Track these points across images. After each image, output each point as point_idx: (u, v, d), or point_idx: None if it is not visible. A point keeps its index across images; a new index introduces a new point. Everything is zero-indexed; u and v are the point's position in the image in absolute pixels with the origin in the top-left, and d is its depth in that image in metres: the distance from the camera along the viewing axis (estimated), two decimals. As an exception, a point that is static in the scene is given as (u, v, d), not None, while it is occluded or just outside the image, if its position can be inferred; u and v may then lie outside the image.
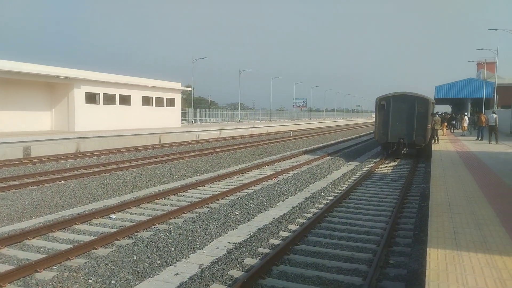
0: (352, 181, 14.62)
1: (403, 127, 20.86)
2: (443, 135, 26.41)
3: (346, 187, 13.14)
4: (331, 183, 13.99)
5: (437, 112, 28.31)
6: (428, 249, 5.12)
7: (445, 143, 21.17)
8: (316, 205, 10.80)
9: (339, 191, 12.67)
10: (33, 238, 7.73)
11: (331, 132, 49.97)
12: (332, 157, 21.48)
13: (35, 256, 6.81)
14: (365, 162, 19.68)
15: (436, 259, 4.79)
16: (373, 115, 33.68)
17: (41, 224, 8.63)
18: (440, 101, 53.20)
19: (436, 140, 21.30)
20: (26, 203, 10.52)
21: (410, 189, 13.05)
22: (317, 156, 21.24)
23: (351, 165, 18.80)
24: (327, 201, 11.25)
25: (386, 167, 18.25)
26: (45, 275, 6.03)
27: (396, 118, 20.98)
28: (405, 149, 24.13)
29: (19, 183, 13.06)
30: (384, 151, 23.04)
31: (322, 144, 30.29)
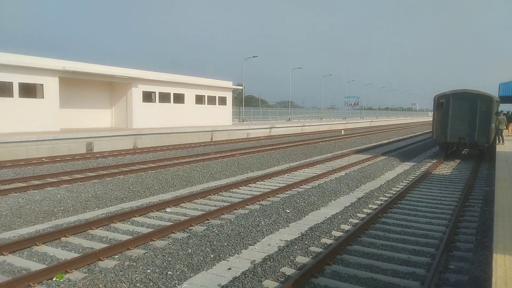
0: (407, 181, 14.07)
1: (464, 126, 19.76)
2: (509, 135, 24.70)
3: (402, 188, 12.68)
4: (385, 183, 13.56)
5: (502, 111, 26.50)
6: (494, 254, 4.82)
7: (511, 144, 19.78)
8: (370, 206, 10.52)
9: (394, 192, 12.25)
10: (96, 228, 8.21)
11: (384, 131, 48.42)
12: (385, 157, 20.82)
13: (98, 245, 7.23)
14: (421, 163, 18.87)
15: (503, 265, 4.50)
16: (430, 114, 32.20)
17: (103, 215, 9.14)
18: (505, 99, 49.66)
19: (501, 141, 19.96)
20: (89, 195, 11.19)
21: (472, 192, 12.33)
22: (369, 156, 20.68)
23: (406, 166, 18.11)
24: (381, 202, 10.92)
25: (445, 168, 17.38)
26: (108, 263, 6.38)
27: (456, 117, 19.91)
28: (465, 149, 22.87)
29: (83, 176, 13.92)
30: (442, 152, 21.96)
31: (375, 144, 29.45)
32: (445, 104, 20.16)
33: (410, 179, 14.53)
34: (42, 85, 23.54)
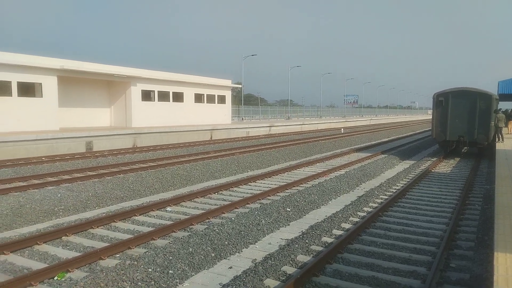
0: (407, 180, 14.09)
1: (463, 124, 19.78)
2: (509, 133, 24.72)
3: (402, 186, 12.70)
4: (385, 182, 13.57)
5: (500, 109, 26.52)
6: (495, 253, 4.83)
7: (510, 142, 19.80)
8: (370, 204, 10.53)
9: (394, 190, 12.26)
10: (97, 227, 8.20)
11: (384, 129, 48.46)
12: (385, 155, 20.83)
13: (99, 244, 7.23)
14: (421, 161, 18.89)
15: (505, 264, 4.51)
16: (429, 112, 32.24)
17: (104, 214, 9.14)
18: (504, 97, 49.68)
19: (501, 139, 19.98)
20: (90, 194, 11.18)
21: (472, 190, 12.34)
22: (369, 154, 20.69)
23: (406, 164, 18.12)
24: (382, 200, 10.93)
25: (445, 167, 17.40)
26: (109, 262, 6.38)
27: (456, 115, 19.93)
28: (465, 147, 22.90)
29: (83, 175, 13.90)
30: (442, 150, 21.98)
31: (374, 142, 29.47)
32: (444, 102, 20.17)
33: (410, 178, 14.54)
34: (40, 84, 23.49)
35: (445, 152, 21.15)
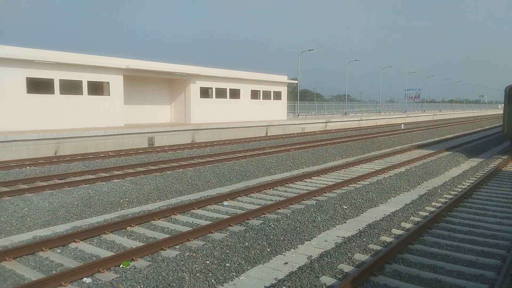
0: (474, 179, 13.23)
1: None
2: None
3: (468, 186, 11.95)
4: (449, 180, 12.85)
5: None
6: None
7: None
8: (433, 204, 10.03)
9: (460, 190, 11.57)
10: (158, 219, 8.59)
11: (448, 125, 45.85)
12: (450, 152, 19.71)
13: (160, 236, 7.57)
14: (490, 159, 17.64)
15: None
16: (500, 106, 30.02)
17: (165, 207, 9.54)
18: None
19: None
20: (152, 187, 11.73)
21: (549, 191, 11.33)
22: (432, 151, 19.69)
23: (473, 162, 17.01)
24: (446, 200, 10.37)
25: (517, 165, 16.10)
26: (169, 253, 6.66)
27: None
28: (541, 145, 21.10)
29: (145, 169, 14.61)
30: (514, 147, 20.37)
31: (438, 138, 27.99)
32: (518, 95, 18.66)
33: (478, 176, 13.64)
34: (108, 83, 24.98)
35: (518, 149, 19.57)
